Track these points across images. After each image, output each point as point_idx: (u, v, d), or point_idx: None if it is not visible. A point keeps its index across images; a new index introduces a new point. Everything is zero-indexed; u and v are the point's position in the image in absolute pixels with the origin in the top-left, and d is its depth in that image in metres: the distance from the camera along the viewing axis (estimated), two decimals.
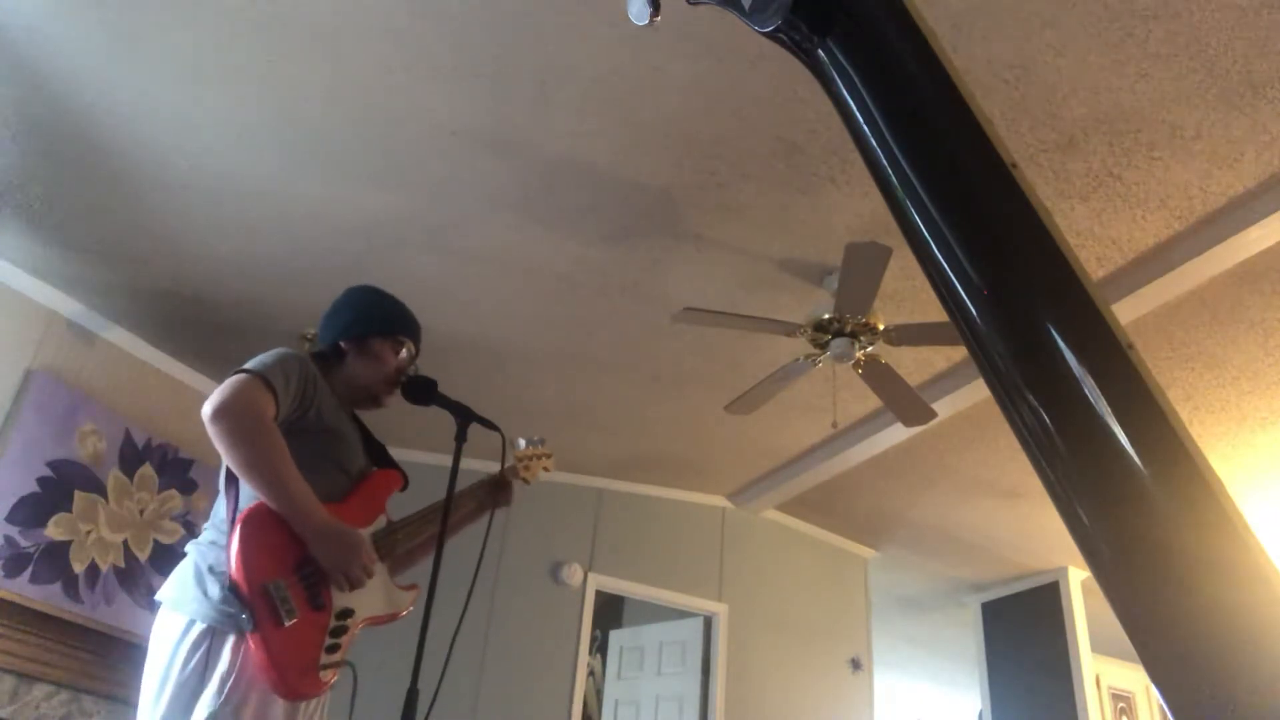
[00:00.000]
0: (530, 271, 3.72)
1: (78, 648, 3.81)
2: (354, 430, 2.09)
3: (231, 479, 1.85)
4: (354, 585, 1.83)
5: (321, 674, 1.76)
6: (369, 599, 1.89)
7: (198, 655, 1.68)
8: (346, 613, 1.83)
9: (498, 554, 5.13)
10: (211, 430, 1.75)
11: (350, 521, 1.90)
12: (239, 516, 1.76)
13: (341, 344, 2.10)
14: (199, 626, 1.71)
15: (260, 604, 1.69)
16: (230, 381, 1.79)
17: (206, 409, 1.75)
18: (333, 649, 1.79)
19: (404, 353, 2.14)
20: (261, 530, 1.76)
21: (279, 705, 1.73)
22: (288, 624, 1.71)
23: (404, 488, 2.12)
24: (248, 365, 1.85)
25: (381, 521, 2.03)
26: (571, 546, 5.46)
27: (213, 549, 1.79)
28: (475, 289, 3.87)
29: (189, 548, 1.85)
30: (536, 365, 4.44)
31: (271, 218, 3.49)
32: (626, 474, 5.65)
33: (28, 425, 3.75)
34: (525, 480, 2.37)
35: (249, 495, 1.80)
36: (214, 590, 1.73)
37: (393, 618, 1.97)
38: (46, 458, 3.80)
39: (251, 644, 1.68)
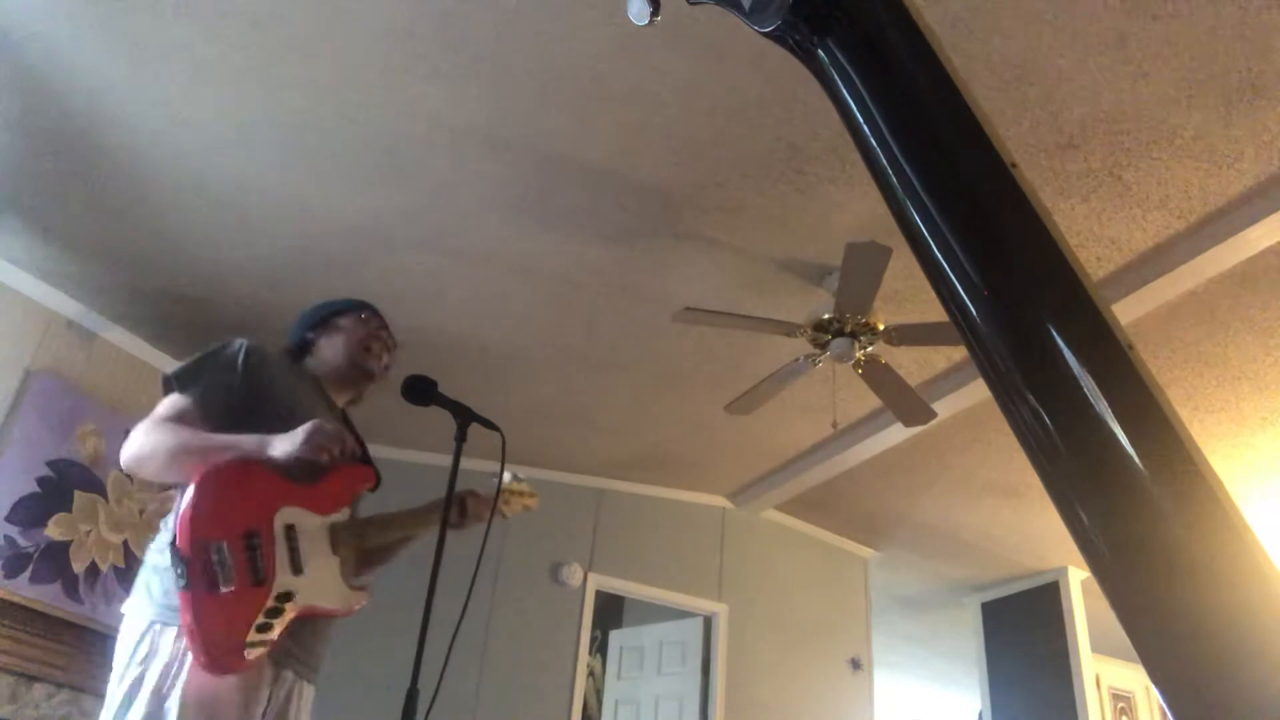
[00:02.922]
0: (530, 271, 3.72)
1: (78, 648, 3.81)
2: (332, 422, 2.02)
3: None
4: (333, 454, 1.81)
5: (247, 651, 1.70)
6: (314, 587, 1.83)
7: (140, 652, 1.68)
8: (286, 595, 1.77)
9: (498, 554, 5.13)
10: (139, 476, 1.82)
11: (311, 508, 1.86)
12: (195, 478, 1.73)
13: (308, 335, 2.15)
14: (141, 625, 1.72)
15: (197, 563, 1.66)
16: (143, 423, 1.83)
17: (121, 459, 1.80)
18: (264, 628, 1.73)
19: (372, 322, 2.17)
20: (213, 491, 1.73)
21: (227, 689, 1.68)
22: (223, 591, 1.67)
23: (375, 487, 2.06)
24: (170, 375, 1.90)
25: (344, 514, 1.97)
26: (571, 546, 5.46)
27: (160, 550, 1.80)
28: (475, 289, 3.86)
29: (146, 549, 1.86)
30: (536, 365, 4.44)
31: (271, 218, 3.49)
32: (626, 474, 5.65)
33: (28, 425, 3.75)
34: (504, 514, 2.27)
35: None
36: (155, 588, 1.74)
37: (338, 614, 1.91)
38: (46, 458, 3.80)
39: (180, 603, 1.65)
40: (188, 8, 2.61)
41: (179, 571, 1.65)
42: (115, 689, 1.69)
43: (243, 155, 3.17)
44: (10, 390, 3.77)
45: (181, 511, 1.69)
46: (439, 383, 2.04)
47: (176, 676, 1.65)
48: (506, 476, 2.23)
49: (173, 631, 1.68)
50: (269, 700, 1.79)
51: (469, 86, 2.83)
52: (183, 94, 2.92)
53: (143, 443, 1.78)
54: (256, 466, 1.80)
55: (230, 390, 1.88)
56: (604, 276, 3.71)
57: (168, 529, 1.80)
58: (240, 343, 1.96)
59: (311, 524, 1.86)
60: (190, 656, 1.65)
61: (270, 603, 1.74)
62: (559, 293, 3.85)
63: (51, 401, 3.87)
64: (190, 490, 1.71)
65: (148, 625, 1.71)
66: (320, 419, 1.84)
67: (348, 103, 2.92)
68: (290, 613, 1.78)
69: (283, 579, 1.77)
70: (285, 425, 1.84)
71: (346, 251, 3.65)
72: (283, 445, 1.78)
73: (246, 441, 1.79)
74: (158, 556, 1.79)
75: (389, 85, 2.85)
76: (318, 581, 1.84)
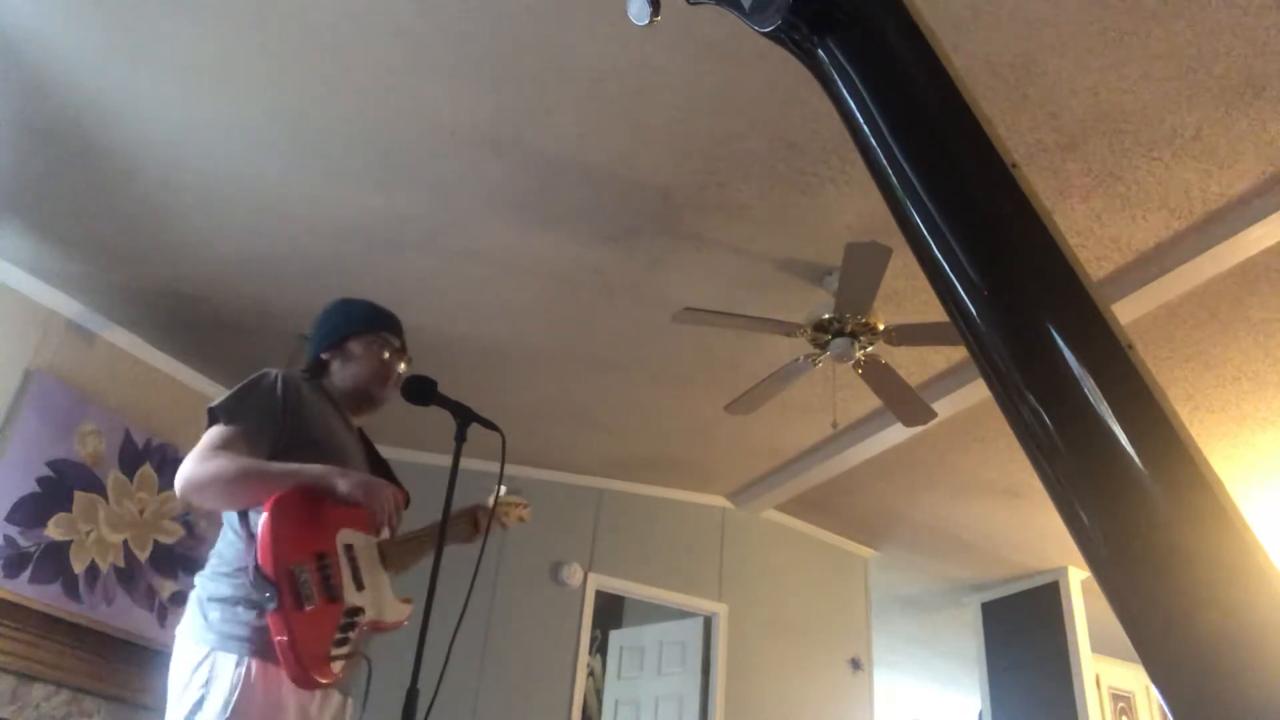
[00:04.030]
0: (530, 271, 3.72)
1: (78, 648, 3.81)
2: (355, 443, 2.12)
3: None
4: (384, 524, 1.93)
5: (332, 664, 1.80)
6: (376, 603, 1.93)
7: (196, 676, 1.74)
8: (356, 610, 1.87)
9: (498, 554, 5.13)
10: (192, 503, 1.86)
11: (361, 528, 1.95)
12: (268, 505, 1.81)
13: (323, 355, 2.16)
14: (200, 651, 1.77)
15: (285, 585, 1.75)
16: (194, 451, 1.87)
17: (177, 487, 1.84)
18: (341, 643, 1.83)
19: (386, 349, 2.16)
20: (289, 515, 1.82)
21: (284, 715, 1.76)
22: (308, 609, 1.76)
23: (405, 506, 2.13)
24: (215, 407, 1.92)
25: (385, 532, 2.05)
26: (571, 546, 5.46)
27: (214, 580, 1.85)
28: (475, 289, 3.86)
29: (195, 580, 1.91)
30: (536, 365, 4.44)
31: (272, 218, 3.49)
32: (626, 474, 5.65)
33: (28, 425, 3.75)
34: (504, 525, 2.39)
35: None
36: (213, 616, 1.80)
37: (393, 627, 2.01)
38: (46, 458, 3.80)
39: (272, 623, 1.73)
40: (189, 8, 2.61)
41: (268, 595, 1.73)
42: (173, 712, 1.76)
43: (243, 155, 3.17)
44: (10, 390, 3.77)
45: (262, 539, 1.78)
46: (439, 383, 2.04)
47: (238, 705, 1.72)
48: (502, 490, 2.30)
49: (232, 659, 1.75)
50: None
51: (469, 86, 2.83)
52: (184, 94, 2.92)
53: (201, 470, 1.84)
54: (317, 492, 1.89)
55: (273, 419, 1.94)
56: (604, 276, 3.71)
57: (224, 560, 1.88)
58: (275, 374, 2.02)
59: (364, 543, 1.96)
60: (249, 682, 1.73)
61: (343, 618, 1.84)
62: (559, 293, 3.85)
63: (51, 401, 3.87)
64: (266, 517, 1.80)
65: (207, 652, 1.77)
66: (371, 474, 1.97)
67: (348, 103, 2.92)
68: (361, 626, 1.88)
69: (350, 596, 1.87)
70: (320, 454, 1.95)
71: (347, 251, 3.65)
72: (345, 485, 1.88)
73: (309, 471, 1.88)
74: (213, 586, 1.84)
75: (389, 85, 2.85)
76: (377, 596, 1.94)
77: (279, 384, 1.98)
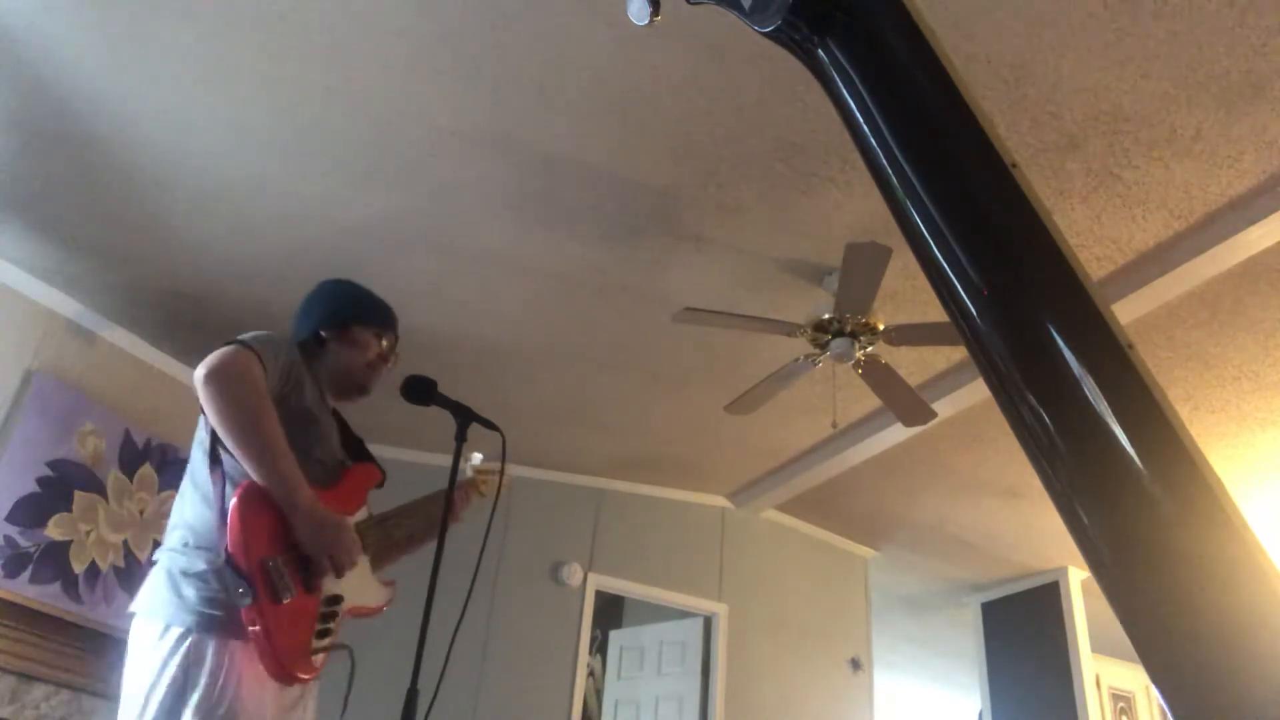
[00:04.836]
0: (530, 271, 3.72)
1: (78, 648, 3.81)
2: (331, 422, 2.07)
3: (215, 461, 1.81)
4: (337, 571, 1.80)
5: (314, 657, 1.75)
6: (356, 588, 1.88)
7: (177, 659, 1.64)
8: (335, 599, 1.82)
9: (498, 554, 5.13)
10: (206, 392, 1.70)
11: (336, 510, 1.88)
12: (238, 490, 1.72)
13: (322, 333, 2.09)
14: (175, 631, 1.67)
15: (260, 579, 1.66)
16: (221, 349, 1.76)
17: (200, 370, 1.71)
18: (323, 634, 1.78)
19: (384, 341, 2.13)
20: (260, 505, 1.73)
21: (268, 698, 1.71)
22: (285, 601, 1.69)
23: (381, 483, 2.11)
24: (250, 341, 1.83)
25: (363, 513, 2.02)
26: (571, 546, 5.46)
27: (185, 553, 1.75)
28: (475, 289, 3.86)
29: (158, 555, 1.80)
30: (537, 365, 4.44)
31: (272, 218, 3.49)
32: (626, 474, 5.65)
33: (28, 425, 3.75)
34: (482, 494, 2.32)
35: (236, 474, 1.77)
36: (189, 592, 1.69)
37: (375, 611, 1.96)
38: (46, 458, 3.80)
39: (247, 619, 1.64)
40: (188, 8, 2.61)
41: (241, 589, 1.64)
42: (143, 701, 1.63)
43: (243, 155, 3.17)
44: (10, 390, 3.77)
45: (232, 528, 1.68)
46: (439, 383, 2.04)
47: (225, 688, 1.63)
48: (476, 458, 2.28)
49: (213, 641, 1.66)
50: (297, 704, 1.84)
51: (469, 86, 2.83)
52: (183, 94, 2.92)
53: (236, 394, 1.71)
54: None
55: (279, 378, 1.86)
56: (604, 276, 3.71)
57: (197, 533, 1.76)
58: (290, 344, 1.95)
59: None
60: (233, 664, 1.65)
61: (323, 608, 1.79)
62: (559, 292, 3.85)
63: (51, 401, 3.87)
64: (234, 505, 1.70)
65: (184, 632, 1.66)
66: (348, 526, 1.86)
67: (348, 103, 2.92)
68: (342, 615, 1.83)
69: (329, 584, 1.81)
70: (307, 424, 1.89)
71: (346, 251, 3.65)
72: (304, 532, 1.75)
73: (298, 486, 1.75)
74: (184, 559, 1.73)
75: (389, 85, 2.85)
76: (357, 581, 1.89)
77: (291, 347, 1.94)
